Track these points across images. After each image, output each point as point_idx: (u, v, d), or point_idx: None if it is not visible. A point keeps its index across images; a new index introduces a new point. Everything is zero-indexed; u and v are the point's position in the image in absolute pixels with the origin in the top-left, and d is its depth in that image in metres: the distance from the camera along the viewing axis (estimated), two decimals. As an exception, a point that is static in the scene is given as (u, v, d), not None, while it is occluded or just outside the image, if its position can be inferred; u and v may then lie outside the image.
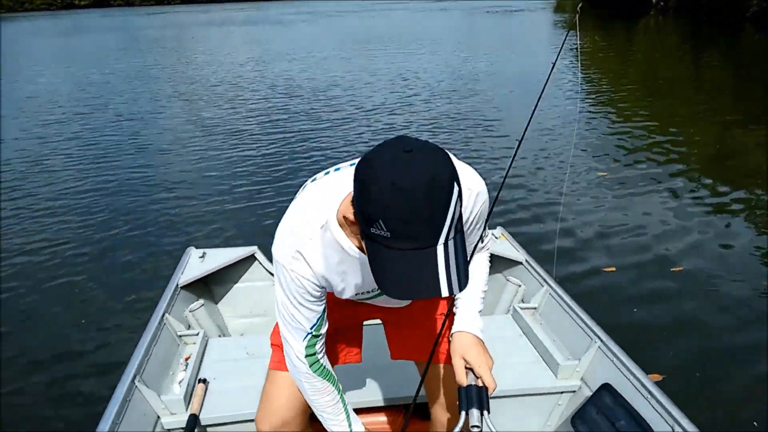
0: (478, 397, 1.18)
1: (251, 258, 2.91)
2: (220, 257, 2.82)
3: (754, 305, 3.82)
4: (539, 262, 2.73)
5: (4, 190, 6.49)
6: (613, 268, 4.38)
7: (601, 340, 2.05)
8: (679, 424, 1.63)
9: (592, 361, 2.07)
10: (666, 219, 5.30)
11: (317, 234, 1.16)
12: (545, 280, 2.56)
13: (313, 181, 1.27)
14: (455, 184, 0.87)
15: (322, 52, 19.72)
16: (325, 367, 1.36)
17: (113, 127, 9.75)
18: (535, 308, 2.53)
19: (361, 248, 1.12)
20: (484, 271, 1.44)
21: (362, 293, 1.33)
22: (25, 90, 14.34)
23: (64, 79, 16.31)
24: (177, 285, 2.55)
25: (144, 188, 6.56)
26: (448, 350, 1.34)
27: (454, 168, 0.89)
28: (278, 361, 1.51)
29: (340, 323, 1.53)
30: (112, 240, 5.11)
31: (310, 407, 1.45)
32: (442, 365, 1.53)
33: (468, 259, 1.09)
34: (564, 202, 5.71)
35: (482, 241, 1.39)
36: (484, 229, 1.37)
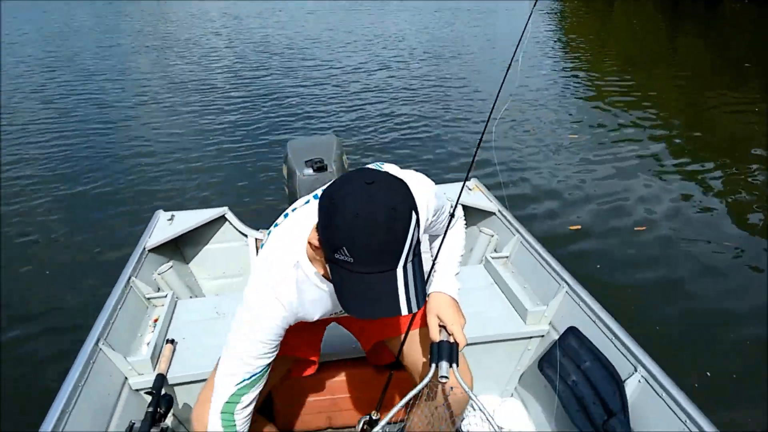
0: (448, 351, 1.27)
1: (221, 219, 2.88)
2: (189, 219, 2.78)
3: (716, 261, 3.99)
4: (511, 211, 2.73)
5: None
6: (578, 227, 4.48)
7: (569, 285, 2.06)
8: (642, 364, 1.65)
9: (559, 306, 2.08)
10: (633, 181, 5.37)
11: (291, 272, 1.20)
12: (517, 230, 2.56)
13: (275, 226, 1.31)
14: (413, 213, 0.97)
15: (302, 10, 19.21)
16: (235, 428, 1.28)
17: (80, 83, 9.49)
18: (506, 257, 2.53)
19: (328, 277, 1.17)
20: (461, 237, 1.53)
21: (332, 314, 1.40)
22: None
23: (29, 32, 15.73)
24: (144, 248, 2.51)
25: (111, 147, 6.44)
26: (423, 315, 1.41)
27: (412, 198, 0.99)
28: None
29: (303, 329, 1.52)
30: (78, 202, 5.04)
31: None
32: (418, 329, 1.55)
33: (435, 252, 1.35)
34: (532, 161, 5.81)
35: (453, 218, 1.47)
36: (454, 208, 1.47)
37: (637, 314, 3.33)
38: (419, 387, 1.28)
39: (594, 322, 1.89)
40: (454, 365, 1.26)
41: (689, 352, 3.07)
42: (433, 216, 1.37)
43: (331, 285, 1.14)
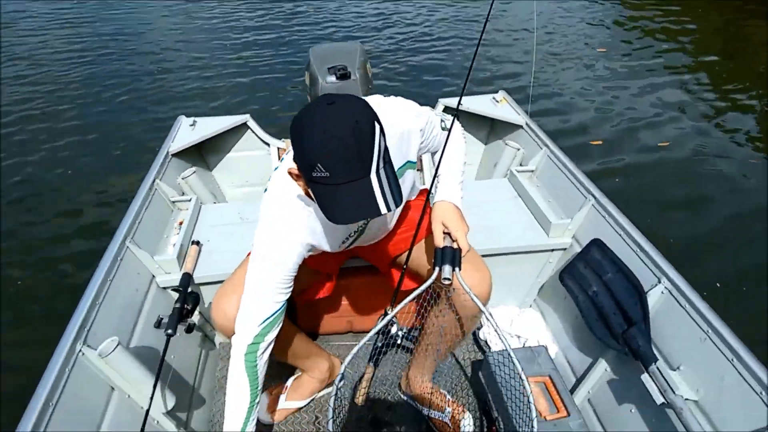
0: (451, 256, 1.32)
1: (243, 127, 2.85)
2: (211, 125, 2.76)
3: (738, 179, 3.97)
4: (539, 125, 2.65)
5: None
6: (600, 141, 4.42)
7: (595, 198, 2.01)
8: (666, 275, 1.63)
9: (584, 219, 2.05)
10: (659, 98, 5.24)
11: (294, 207, 1.31)
12: (544, 143, 2.49)
13: (275, 169, 1.38)
14: (376, 123, 1.04)
15: None
16: (257, 369, 1.37)
17: None
18: (532, 171, 2.47)
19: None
20: (461, 147, 1.57)
21: (345, 241, 1.46)
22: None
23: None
24: (168, 152, 2.51)
25: (131, 56, 6.37)
26: (429, 225, 1.45)
27: (372, 111, 1.06)
28: None
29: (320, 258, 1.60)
30: (102, 109, 5.06)
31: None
32: (424, 240, 1.60)
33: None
34: (561, 75, 5.64)
35: (449, 131, 1.52)
36: (452, 122, 1.53)
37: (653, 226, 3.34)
38: (423, 287, 1.32)
39: (619, 234, 1.86)
40: (457, 269, 1.32)
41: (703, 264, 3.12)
42: (423, 137, 1.41)
43: None
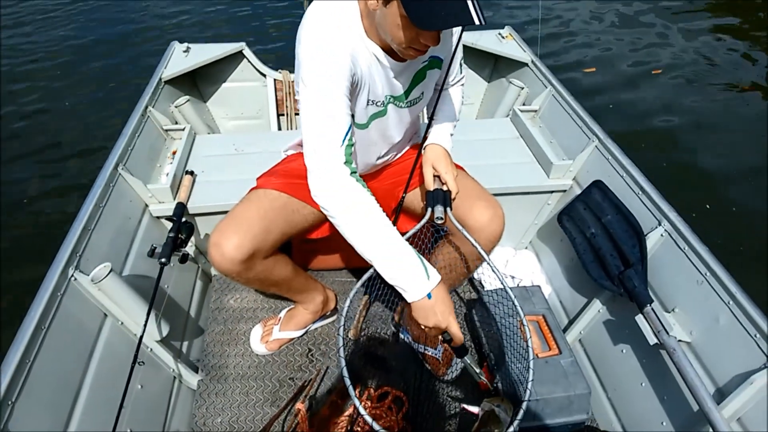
0: (442, 197, 1.37)
1: (239, 55, 2.75)
2: (206, 52, 2.66)
3: (730, 104, 4.15)
4: (544, 62, 2.56)
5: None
6: (593, 69, 4.54)
7: (599, 139, 1.97)
8: (667, 217, 1.61)
9: (587, 160, 2.01)
10: (652, 28, 5.35)
11: (342, 29, 1.19)
12: (550, 81, 2.42)
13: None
14: None
15: None
16: (359, 176, 1.23)
17: None
18: (535, 111, 2.42)
19: (385, 49, 1.23)
20: (458, 101, 1.63)
21: (376, 102, 1.36)
22: None
23: None
24: (161, 78, 2.43)
25: None
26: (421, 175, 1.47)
27: None
28: (261, 183, 1.54)
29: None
30: (93, 32, 4.91)
31: (278, 235, 1.45)
32: (418, 187, 1.58)
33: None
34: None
35: (461, 72, 1.58)
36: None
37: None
38: (417, 227, 1.33)
39: (621, 176, 1.83)
40: (447, 209, 1.35)
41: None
42: (456, 47, 1.39)
43: (384, 59, 1.23)
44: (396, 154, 1.64)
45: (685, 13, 5.65)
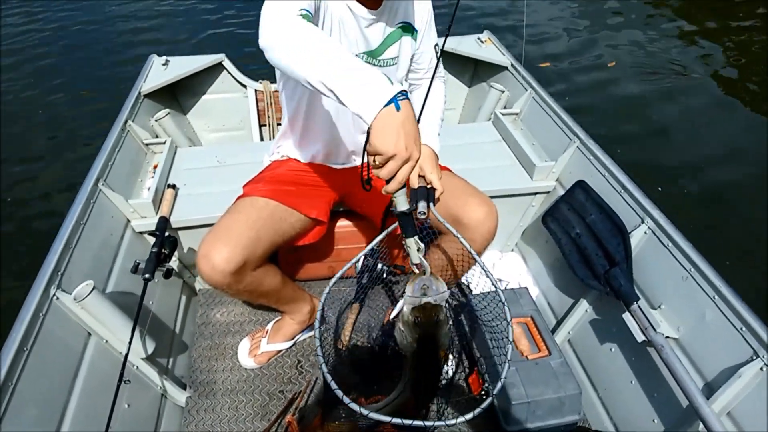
0: (424, 194, 1.35)
1: (219, 67, 2.74)
2: (185, 64, 2.64)
3: (679, 83, 4.50)
4: (526, 66, 2.58)
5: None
6: (548, 63, 4.77)
7: (580, 140, 1.99)
8: (650, 215, 1.63)
9: (569, 161, 2.03)
10: (604, 24, 5.67)
11: None
12: (530, 84, 2.44)
13: None
14: None
15: None
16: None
17: None
18: (516, 114, 2.43)
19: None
20: (441, 99, 1.64)
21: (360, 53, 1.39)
22: None
23: None
24: (140, 92, 2.40)
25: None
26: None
27: None
28: (248, 191, 1.54)
29: (314, 193, 1.63)
30: (69, 47, 4.85)
31: (268, 245, 1.43)
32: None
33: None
34: None
35: (436, 53, 1.59)
36: (436, 65, 1.59)
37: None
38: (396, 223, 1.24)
39: (603, 176, 1.85)
40: (431, 204, 1.33)
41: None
42: (426, 25, 1.50)
43: (356, 5, 1.28)
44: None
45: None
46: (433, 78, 1.60)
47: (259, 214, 1.46)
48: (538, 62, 4.73)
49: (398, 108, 0.92)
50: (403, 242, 1.19)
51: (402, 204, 1.10)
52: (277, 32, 0.99)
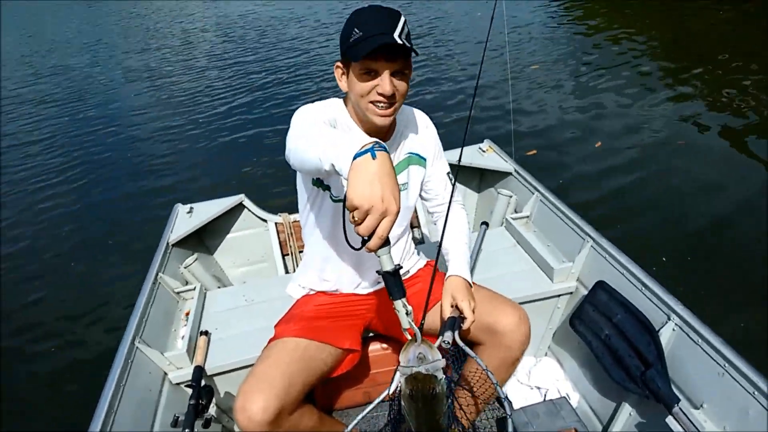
0: (452, 323, 1.42)
1: (240, 207, 2.89)
2: (208, 210, 2.80)
3: (672, 160, 4.57)
4: (528, 170, 2.69)
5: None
6: (534, 151, 4.86)
7: (593, 239, 2.03)
8: (674, 311, 1.63)
9: (585, 261, 2.06)
10: (589, 104, 5.88)
11: (327, 111, 1.44)
12: (535, 188, 2.53)
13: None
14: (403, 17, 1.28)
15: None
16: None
17: (76, 92, 9.46)
18: (527, 217, 2.50)
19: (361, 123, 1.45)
20: (465, 225, 1.73)
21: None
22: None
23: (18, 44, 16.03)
24: (168, 243, 2.53)
25: (119, 145, 6.55)
26: (440, 292, 1.59)
27: None
28: (278, 333, 1.60)
29: (344, 326, 1.68)
30: (96, 204, 5.13)
31: (301, 387, 1.46)
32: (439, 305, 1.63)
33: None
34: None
35: (450, 180, 1.70)
36: (453, 177, 1.70)
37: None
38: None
39: (622, 274, 1.87)
40: (456, 333, 1.39)
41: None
42: (435, 152, 1.66)
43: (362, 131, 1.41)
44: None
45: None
46: (450, 204, 1.62)
47: (291, 357, 1.49)
48: (525, 151, 4.89)
49: (374, 156, 0.94)
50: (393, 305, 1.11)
51: (386, 263, 1.03)
52: (295, 135, 1.23)
